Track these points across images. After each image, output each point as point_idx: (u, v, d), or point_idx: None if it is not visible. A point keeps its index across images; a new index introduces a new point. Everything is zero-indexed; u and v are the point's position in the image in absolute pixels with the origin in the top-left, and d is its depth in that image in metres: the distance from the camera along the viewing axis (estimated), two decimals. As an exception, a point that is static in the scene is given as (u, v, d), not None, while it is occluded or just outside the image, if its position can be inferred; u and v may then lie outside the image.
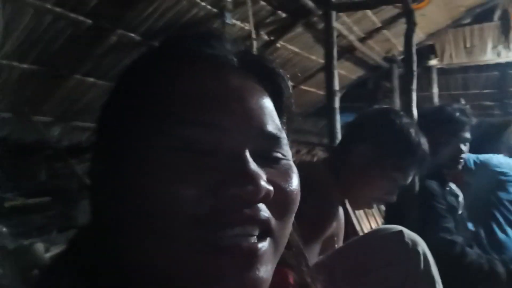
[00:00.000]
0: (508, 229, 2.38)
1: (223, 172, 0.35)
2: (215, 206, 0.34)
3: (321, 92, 3.59)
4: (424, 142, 1.12)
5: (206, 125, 0.37)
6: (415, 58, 2.02)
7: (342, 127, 2.32)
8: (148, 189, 0.35)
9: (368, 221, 2.05)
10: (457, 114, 1.73)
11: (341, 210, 1.17)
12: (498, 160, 2.51)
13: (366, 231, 1.91)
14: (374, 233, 1.00)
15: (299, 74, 3.81)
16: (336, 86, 2.29)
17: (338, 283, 0.90)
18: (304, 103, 4.34)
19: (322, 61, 2.99)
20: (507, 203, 2.41)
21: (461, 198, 1.89)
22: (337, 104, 2.26)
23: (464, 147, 1.75)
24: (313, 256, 1.01)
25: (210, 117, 0.37)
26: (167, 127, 0.36)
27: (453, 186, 1.88)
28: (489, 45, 4.09)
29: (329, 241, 1.13)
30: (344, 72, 4.31)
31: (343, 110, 2.53)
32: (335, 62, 2.43)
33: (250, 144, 0.37)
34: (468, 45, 4.16)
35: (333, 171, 1.12)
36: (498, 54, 4.07)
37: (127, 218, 0.37)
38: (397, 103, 4.20)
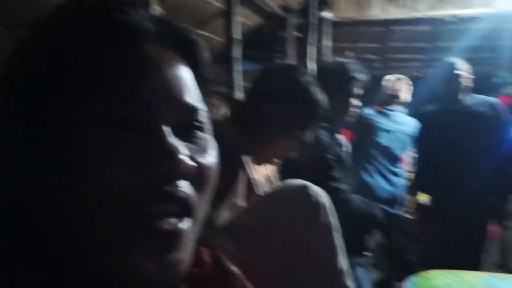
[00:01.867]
0: (375, 175, 2.68)
1: (142, 148, 0.34)
2: (135, 184, 0.34)
3: (219, 39, 3.49)
4: (324, 99, 1.16)
5: (122, 97, 0.35)
6: (313, 10, 2.05)
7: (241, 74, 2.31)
8: (67, 168, 0.34)
9: (265, 176, 2.11)
10: (353, 71, 1.83)
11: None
12: (368, 112, 2.77)
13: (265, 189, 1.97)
14: (281, 190, 1.04)
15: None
16: (237, 34, 2.24)
17: (252, 242, 0.93)
18: (200, 49, 4.19)
19: (219, 5, 2.88)
20: (374, 151, 2.70)
21: (346, 148, 2.05)
22: (237, 53, 2.22)
23: (356, 102, 1.87)
24: (224, 217, 1.02)
25: (125, 88, 0.35)
26: (82, 100, 0.34)
27: (340, 136, 2.02)
28: (376, 1, 4.33)
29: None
30: (242, 19, 4.24)
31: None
32: (236, 8, 2.35)
33: (168, 117, 0.36)
34: (358, -1, 4.35)
35: (239, 130, 1.12)
36: (384, 10, 4.33)
37: (49, 197, 0.35)
38: (292, 54, 4.30)
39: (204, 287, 0.46)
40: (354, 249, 1.95)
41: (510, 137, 2.42)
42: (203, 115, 0.41)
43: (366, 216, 1.86)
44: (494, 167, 2.38)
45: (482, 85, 2.81)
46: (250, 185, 1.29)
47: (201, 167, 0.38)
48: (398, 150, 2.80)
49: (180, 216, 0.36)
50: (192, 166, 0.36)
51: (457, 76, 2.45)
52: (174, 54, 0.40)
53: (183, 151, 0.36)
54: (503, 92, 4.97)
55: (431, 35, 4.41)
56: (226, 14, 2.31)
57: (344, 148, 1.99)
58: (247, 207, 1.06)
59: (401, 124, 2.81)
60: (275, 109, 1.11)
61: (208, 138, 0.41)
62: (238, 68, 2.23)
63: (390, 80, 3.00)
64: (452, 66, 2.48)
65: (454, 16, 3.83)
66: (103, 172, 0.33)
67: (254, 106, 1.14)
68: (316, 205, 0.99)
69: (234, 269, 0.51)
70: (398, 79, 3.04)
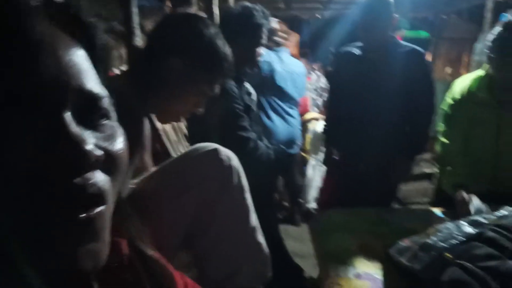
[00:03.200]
0: (273, 116, 2.74)
1: (43, 138, 0.32)
2: (38, 176, 0.32)
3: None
4: (229, 52, 1.11)
5: (19, 84, 0.32)
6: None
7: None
8: None
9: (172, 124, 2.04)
10: (259, 18, 1.77)
11: (147, 125, 1.11)
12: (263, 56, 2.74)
13: (171, 138, 1.91)
14: (191, 152, 1.00)
15: None
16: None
17: (161, 206, 0.90)
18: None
19: None
20: (268, 93, 2.74)
21: (254, 96, 2.05)
22: (134, -8, 2.02)
23: (261, 49, 1.84)
24: (130, 183, 0.96)
25: (22, 75, 0.32)
26: None
27: (247, 85, 2.00)
28: None
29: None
30: (137, -51, 3.85)
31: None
32: None
33: (69, 105, 0.35)
34: None
35: (139, 84, 1.03)
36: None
37: None
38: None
39: (123, 279, 0.45)
40: (262, 193, 2.03)
41: (429, 99, 2.07)
42: (106, 102, 0.39)
43: (273, 161, 1.92)
44: (406, 127, 2.11)
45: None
46: (158, 144, 1.23)
47: (109, 155, 0.37)
48: (292, 90, 2.86)
49: (92, 205, 0.35)
50: (100, 155, 0.35)
51: (387, 13, 2.00)
52: (69, 36, 0.38)
53: (90, 140, 0.35)
54: (397, 34, 5.34)
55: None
56: None
57: (252, 97, 1.98)
58: (155, 171, 1.01)
59: (291, 65, 2.86)
60: (181, 64, 1.04)
61: (114, 125, 0.40)
62: (135, 9, 2.04)
63: (275, 22, 2.97)
64: (384, 2, 2.00)
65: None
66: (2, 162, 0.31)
67: (158, 60, 1.05)
68: (228, 168, 0.97)
69: (152, 253, 0.51)
70: (279, 21, 3.03)
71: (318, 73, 4.67)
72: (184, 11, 1.17)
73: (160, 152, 1.49)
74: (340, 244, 1.52)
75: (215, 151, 0.97)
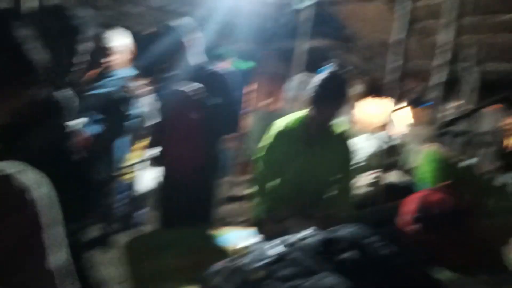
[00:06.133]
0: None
1: None
2: None
3: None
4: (42, 59, 0.99)
5: None
6: None
7: None
8: None
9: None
10: (77, 22, 1.59)
11: None
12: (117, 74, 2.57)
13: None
14: None
15: None
16: None
17: None
18: None
19: None
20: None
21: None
22: None
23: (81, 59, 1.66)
24: None
25: None
26: None
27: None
28: None
29: None
30: None
31: None
32: None
33: None
34: None
35: None
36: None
37: None
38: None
39: None
40: (73, 219, 1.83)
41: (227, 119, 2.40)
42: None
43: (92, 184, 1.76)
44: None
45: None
46: None
47: None
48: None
49: None
50: None
51: (182, 43, 2.35)
52: None
53: None
54: (222, 61, 5.64)
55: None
56: None
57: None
58: None
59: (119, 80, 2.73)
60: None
61: None
62: None
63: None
64: (178, 32, 2.37)
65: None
66: None
67: None
68: (23, 202, 0.73)
69: None
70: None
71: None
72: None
73: None
74: (157, 265, 1.48)
75: (6, 179, 0.72)
